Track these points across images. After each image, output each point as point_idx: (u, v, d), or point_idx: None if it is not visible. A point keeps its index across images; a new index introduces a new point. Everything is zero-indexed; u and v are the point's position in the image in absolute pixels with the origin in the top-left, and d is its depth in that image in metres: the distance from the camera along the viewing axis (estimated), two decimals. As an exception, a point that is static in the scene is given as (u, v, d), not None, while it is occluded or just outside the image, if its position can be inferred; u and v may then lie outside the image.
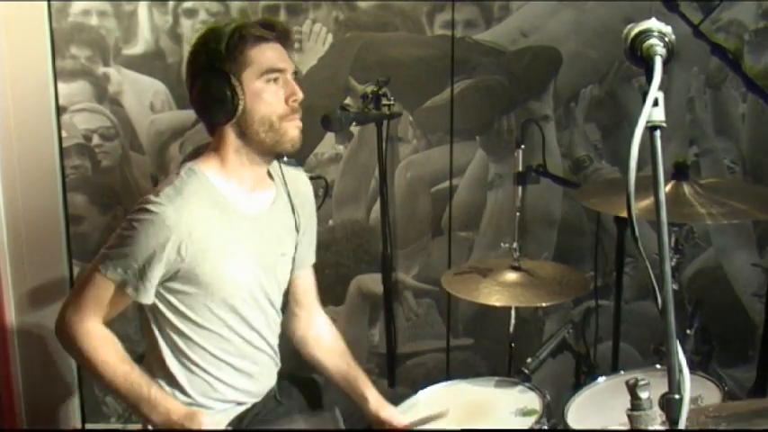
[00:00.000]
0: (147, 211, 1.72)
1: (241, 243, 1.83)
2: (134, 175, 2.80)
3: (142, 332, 1.88)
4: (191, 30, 2.73)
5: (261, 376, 1.97)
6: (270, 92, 1.79)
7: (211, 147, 1.86)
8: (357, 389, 2.06)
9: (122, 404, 2.85)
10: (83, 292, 1.76)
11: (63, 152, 2.73)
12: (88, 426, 2.92)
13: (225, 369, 1.87)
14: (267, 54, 1.79)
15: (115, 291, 1.74)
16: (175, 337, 1.82)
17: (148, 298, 1.76)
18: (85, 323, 1.75)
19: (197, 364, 1.84)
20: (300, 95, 1.82)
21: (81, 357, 1.77)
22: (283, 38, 1.84)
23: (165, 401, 1.74)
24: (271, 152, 1.84)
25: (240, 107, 1.77)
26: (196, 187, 1.78)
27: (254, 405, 1.96)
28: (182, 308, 1.80)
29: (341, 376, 2.08)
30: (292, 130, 1.81)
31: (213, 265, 1.78)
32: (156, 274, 1.73)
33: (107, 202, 2.80)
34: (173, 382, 1.84)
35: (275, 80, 1.80)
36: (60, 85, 2.68)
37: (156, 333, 1.82)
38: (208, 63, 1.77)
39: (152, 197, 1.74)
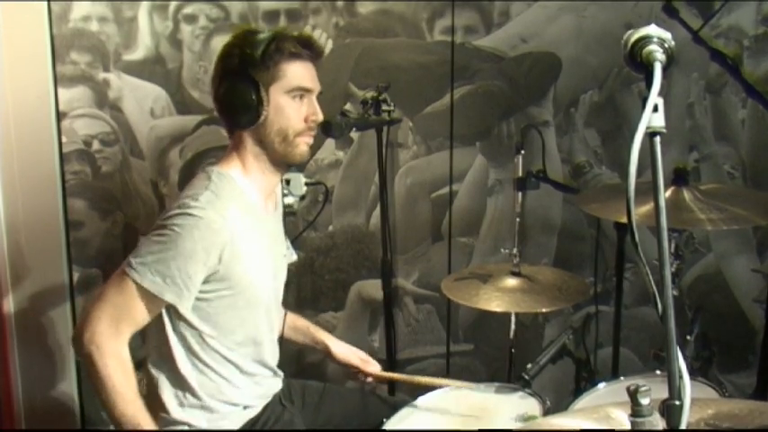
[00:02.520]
0: (190, 215, 1.71)
1: (264, 245, 1.88)
2: (134, 181, 2.80)
3: (146, 332, 1.82)
4: (191, 35, 2.73)
5: (266, 379, 1.98)
6: (292, 107, 1.84)
7: (231, 149, 1.89)
8: (314, 338, 2.18)
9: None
10: (114, 305, 1.71)
11: (63, 157, 2.72)
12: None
13: (235, 371, 1.88)
14: (299, 72, 1.84)
15: (152, 300, 1.71)
16: (190, 338, 1.81)
17: (190, 304, 1.75)
18: (115, 342, 1.69)
19: (209, 366, 1.84)
20: (321, 117, 1.88)
21: (97, 375, 1.69)
22: (316, 57, 1.89)
23: None
24: (281, 162, 1.89)
25: (262, 117, 1.81)
26: (230, 191, 1.80)
27: (263, 410, 1.96)
28: (204, 306, 1.79)
29: (293, 330, 2.16)
30: (303, 145, 1.88)
31: (245, 266, 1.80)
32: (200, 278, 1.73)
33: (107, 207, 2.79)
34: (182, 383, 1.83)
35: (300, 97, 1.85)
36: (60, 91, 2.68)
37: (169, 332, 1.80)
38: (240, 67, 1.80)
39: (191, 202, 1.74)
